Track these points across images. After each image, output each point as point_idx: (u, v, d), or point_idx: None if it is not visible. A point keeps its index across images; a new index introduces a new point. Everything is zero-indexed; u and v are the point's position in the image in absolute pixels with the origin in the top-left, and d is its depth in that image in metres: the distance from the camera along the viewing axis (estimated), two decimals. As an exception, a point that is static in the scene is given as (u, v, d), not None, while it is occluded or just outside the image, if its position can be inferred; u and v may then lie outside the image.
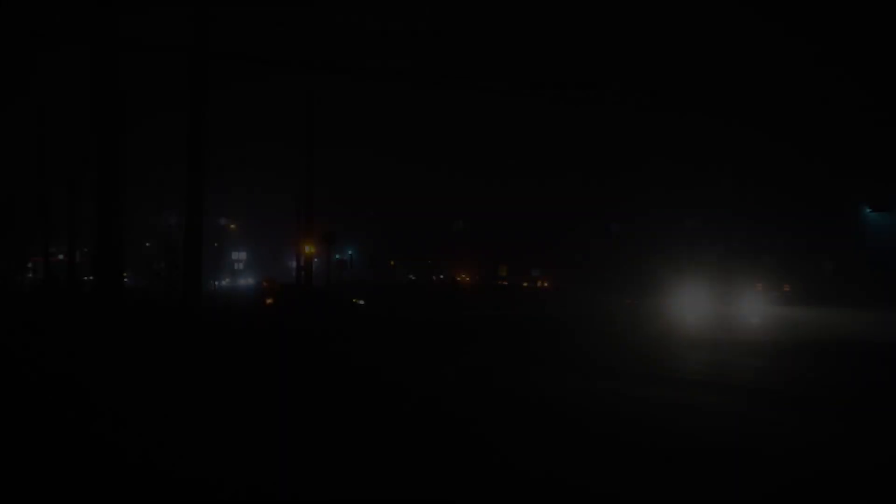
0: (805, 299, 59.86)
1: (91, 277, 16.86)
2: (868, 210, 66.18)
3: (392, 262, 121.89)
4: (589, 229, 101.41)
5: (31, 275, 39.15)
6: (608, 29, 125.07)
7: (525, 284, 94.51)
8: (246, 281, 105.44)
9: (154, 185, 57.28)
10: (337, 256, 68.98)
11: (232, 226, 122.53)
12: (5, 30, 26.54)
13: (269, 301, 47.12)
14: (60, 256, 70.27)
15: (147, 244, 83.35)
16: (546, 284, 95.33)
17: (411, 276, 67.74)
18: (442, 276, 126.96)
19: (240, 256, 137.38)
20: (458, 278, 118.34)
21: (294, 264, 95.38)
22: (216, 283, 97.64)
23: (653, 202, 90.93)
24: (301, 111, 48.12)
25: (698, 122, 67.23)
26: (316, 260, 51.91)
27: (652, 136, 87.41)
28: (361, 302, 44.16)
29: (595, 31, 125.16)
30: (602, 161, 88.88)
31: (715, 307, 46.48)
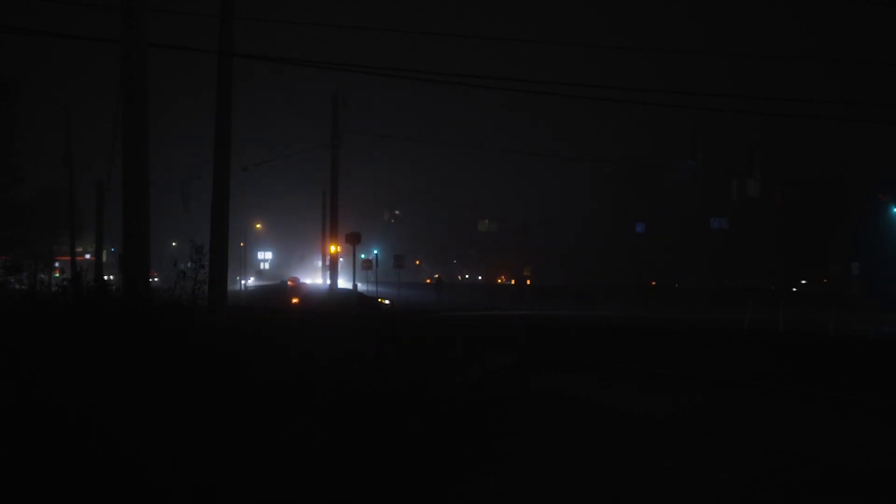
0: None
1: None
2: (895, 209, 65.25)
3: (417, 262, 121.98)
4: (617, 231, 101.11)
5: (57, 274, 39.34)
6: (626, 31, 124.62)
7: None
8: (272, 281, 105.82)
9: (179, 184, 57.55)
10: (363, 256, 68.93)
11: (258, 225, 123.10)
12: (35, 31, 26.60)
13: (294, 300, 47.15)
14: (87, 255, 70.81)
15: (174, 243, 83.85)
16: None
17: (437, 276, 67.76)
18: (467, 276, 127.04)
19: (265, 256, 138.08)
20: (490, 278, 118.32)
21: (320, 264, 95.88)
22: (243, 282, 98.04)
23: (680, 205, 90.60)
24: (327, 109, 48.07)
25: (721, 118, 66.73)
26: (341, 259, 51.85)
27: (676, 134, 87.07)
28: (387, 302, 44.15)
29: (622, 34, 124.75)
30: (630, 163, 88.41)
31: None
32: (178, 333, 11.66)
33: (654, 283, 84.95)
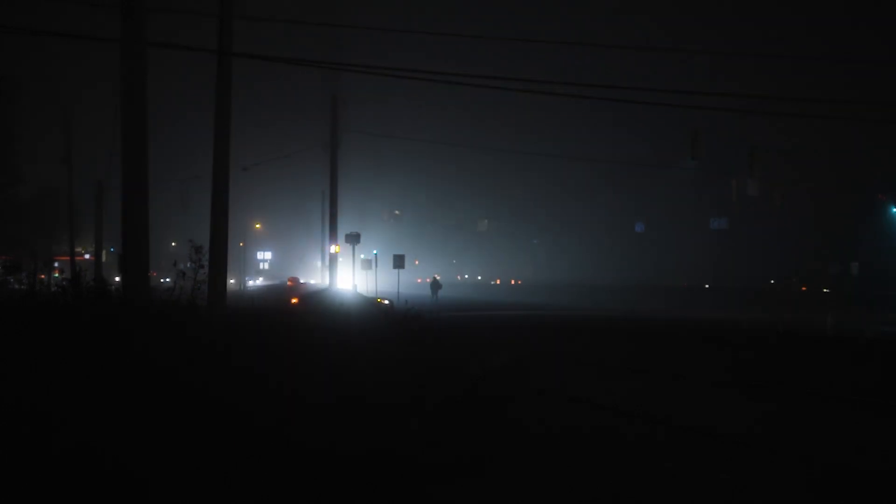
0: None
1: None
2: (895, 209, 64.99)
3: (417, 262, 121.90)
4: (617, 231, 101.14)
5: (56, 274, 39.40)
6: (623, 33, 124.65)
7: None
8: (272, 280, 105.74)
9: (178, 184, 57.49)
10: (362, 256, 68.92)
11: (258, 225, 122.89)
12: (35, 31, 26.54)
13: (294, 300, 47.09)
14: (87, 255, 70.74)
15: (173, 243, 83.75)
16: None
17: (436, 276, 67.79)
18: (467, 276, 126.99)
19: (265, 256, 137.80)
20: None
21: (319, 264, 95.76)
22: (243, 282, 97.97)
23: (680, 205, 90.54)
24: (326, 109, 48.01)
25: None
26: (341, 259, 51.78)
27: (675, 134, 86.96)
28: (386, 302, 44.14)
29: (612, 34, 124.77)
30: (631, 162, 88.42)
31: None
32: (178, 333, 11.66)
33: (685, 284, 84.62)
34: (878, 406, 13.61)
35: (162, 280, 39.89)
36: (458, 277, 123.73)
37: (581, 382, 16.27)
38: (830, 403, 13.98)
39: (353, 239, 49.45)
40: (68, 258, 54.48)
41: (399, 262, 56.07)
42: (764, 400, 14.22)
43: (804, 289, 64.31)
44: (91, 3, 22.21)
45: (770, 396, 14.59)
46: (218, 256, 18.74)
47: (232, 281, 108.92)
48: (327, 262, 54.19)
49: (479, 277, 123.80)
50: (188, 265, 13.90)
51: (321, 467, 8.08)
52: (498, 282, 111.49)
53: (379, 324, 23.13)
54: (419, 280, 71.35)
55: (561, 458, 9.57)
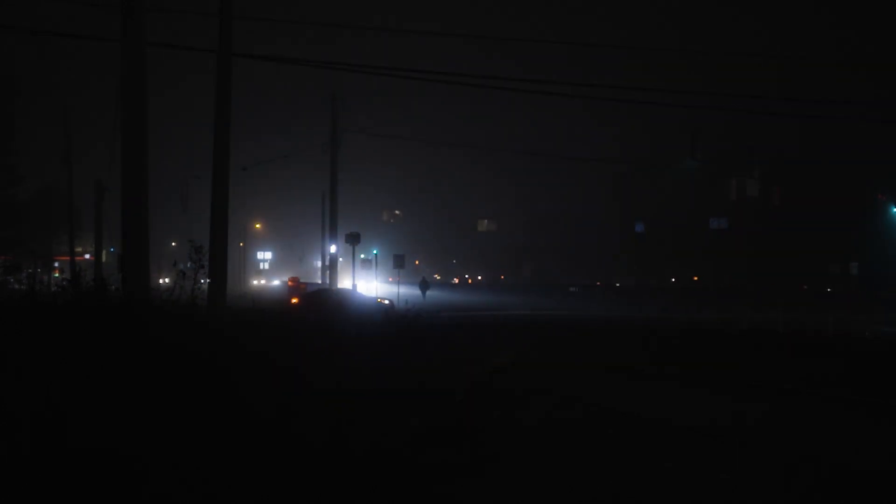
0: None
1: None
2: (895, 209, 64.87)
3: (417, 262, 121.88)
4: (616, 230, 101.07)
5: (56, 274, 39.41)
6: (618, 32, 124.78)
7: None
8: (271, 282, 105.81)
9: (178, 184, 57.50)
10: (362, 256, 68.95)
11: (258, 225, 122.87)
12: (35, 31, 26.56)
13: (294, 300, 47.13)
14: (87, 256, 70.77)
15: (173, 243, 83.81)
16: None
17: (436, 276, 67.80)
18: (467, 276, 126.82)
19: (265, 256, 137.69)
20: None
21: (319, 264, 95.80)
22: (243, 282, 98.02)
23: (680, 205, 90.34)
24: (327, 109, 48.03)
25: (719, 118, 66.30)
26: (341, 259, 51.84)
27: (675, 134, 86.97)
28: (387, 301, 44.18)
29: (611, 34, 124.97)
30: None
31: None
32: (178, 334, 11.64)
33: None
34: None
35: (165, 280, 39.93)
36: (457, 280, 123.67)
37: (579, 383, 16.28)
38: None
39: (353, 239, 49.46)
40: (68, 258, 54.44)
41: (399, 261, 56.07)
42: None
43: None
44: (91, 3, 22.21)
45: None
46: (218, 256, 18.71)
47: (259, 282, 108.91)
48: (327, 262, 54.24)
49: (480, 278, 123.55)
50: (188, 265, 13.88)
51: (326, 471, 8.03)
52: (543, 280, 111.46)
53: (376, 323, 23.04)
54: (390, 279, 69.77)
55: (562, 455, 9.55)
